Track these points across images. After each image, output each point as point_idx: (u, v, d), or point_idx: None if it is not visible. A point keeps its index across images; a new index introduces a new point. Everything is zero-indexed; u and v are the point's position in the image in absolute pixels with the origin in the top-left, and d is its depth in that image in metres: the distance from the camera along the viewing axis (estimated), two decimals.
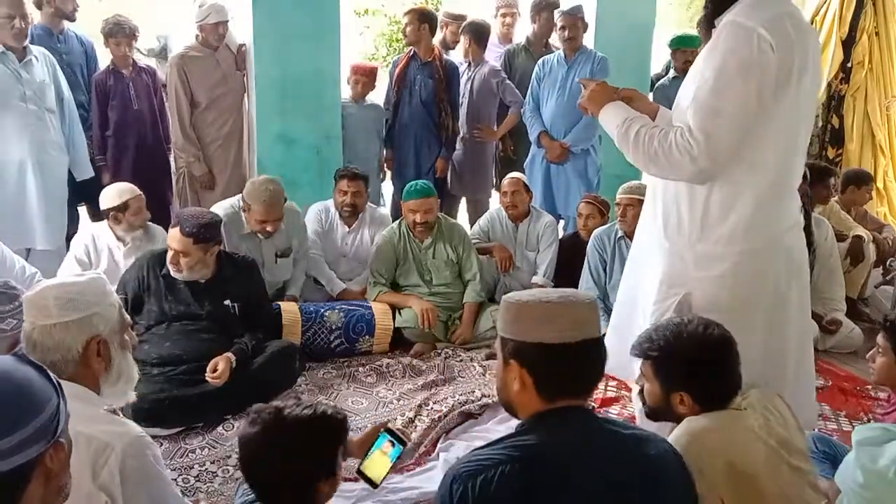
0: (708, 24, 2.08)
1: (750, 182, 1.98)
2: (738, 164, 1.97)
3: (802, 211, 3.91)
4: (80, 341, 1.64)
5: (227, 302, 3.14)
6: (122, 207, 3.51)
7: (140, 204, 3.56)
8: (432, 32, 4.75)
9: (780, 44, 1.88)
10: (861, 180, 4.77)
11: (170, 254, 3.05)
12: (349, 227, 4.12)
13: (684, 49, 4.96)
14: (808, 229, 4.05)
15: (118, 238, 3.57)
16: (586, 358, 1.50)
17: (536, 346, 1.48)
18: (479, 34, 4.93)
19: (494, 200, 5.10)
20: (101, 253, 3.58)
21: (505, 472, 1.36)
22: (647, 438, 1.52)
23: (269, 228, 3.64)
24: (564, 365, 1.47)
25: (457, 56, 5.12)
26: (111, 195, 3.55)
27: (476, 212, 5.04)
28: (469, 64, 4.96)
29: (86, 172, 4.17)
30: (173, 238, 3.04)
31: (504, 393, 1.56)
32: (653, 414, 1.94)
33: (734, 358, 1.84)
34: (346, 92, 4.70)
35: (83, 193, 4.24)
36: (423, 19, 4.69)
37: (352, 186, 4.01)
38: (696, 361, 1.80)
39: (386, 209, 4.82)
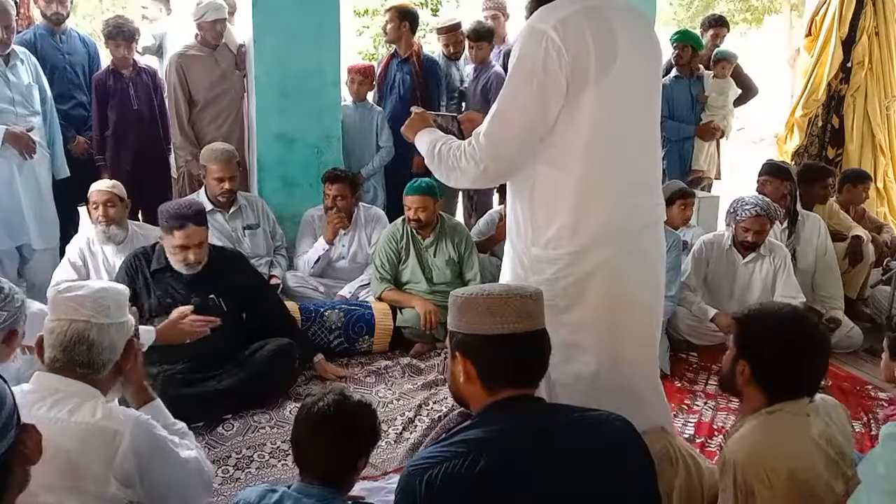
0: None
1: (567, 183, 1.95)
2: (552, 167, 1.96)
3: (788, 209, 3.99)
4: (123, 342, 1.76)
5: (211, 296, 3.14)
6: (87, 202, 3.59)
7: (100, 198, 3.54)
8: (413, 30, 4.75)
9: (572, 44, 1.84)
10: (857, 178, 4.78)
11: (182, 253, 3.04)
12: (343, 229, 4.11)
13: (685, 44, 4.99)
14: (792, 227, 4.07)
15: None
16: (527, 349, 1.55)
17: (477, 338, 1.54)
18: (477, 34, 4.90)
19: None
20: (97, 255, 3.60)
21: (450, 469, 1.39)
22: (601, 421, 1.54)
23: (227, 186, 3.90)
24: (504, 355, 1.53)
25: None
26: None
27: (480, 213, 5.02)
28: (475, 67, 4.93)
29: (63, 172, 4.14)
30: (193, 234, 3.04)
31: (454, 385, 1.63)
32: (721, 381, 1.96)
33: (818, 353, 1.81)
34: (346, 95, 4.71)
35: (82, 194, 4.24)
36: (404, 17, 4.71)
37: (332, 189, 4.00)
38: (777, 340, 1.78)
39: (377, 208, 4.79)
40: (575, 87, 1.87)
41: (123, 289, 1.84)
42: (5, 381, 1.12)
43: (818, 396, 1.87)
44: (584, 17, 1.88)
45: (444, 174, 2.11)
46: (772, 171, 4.15)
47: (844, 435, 1.84)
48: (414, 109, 2.36)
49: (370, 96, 4.84)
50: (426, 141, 2.16)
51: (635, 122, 2.02)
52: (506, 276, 2.18)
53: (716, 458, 2.23)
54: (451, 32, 4.91)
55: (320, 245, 4.02)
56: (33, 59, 3.97)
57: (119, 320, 1.74)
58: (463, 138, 2.15)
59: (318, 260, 4.04)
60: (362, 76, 4.65)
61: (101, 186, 3.60)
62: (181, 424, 2.02)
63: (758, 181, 4.19)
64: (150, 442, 1.67)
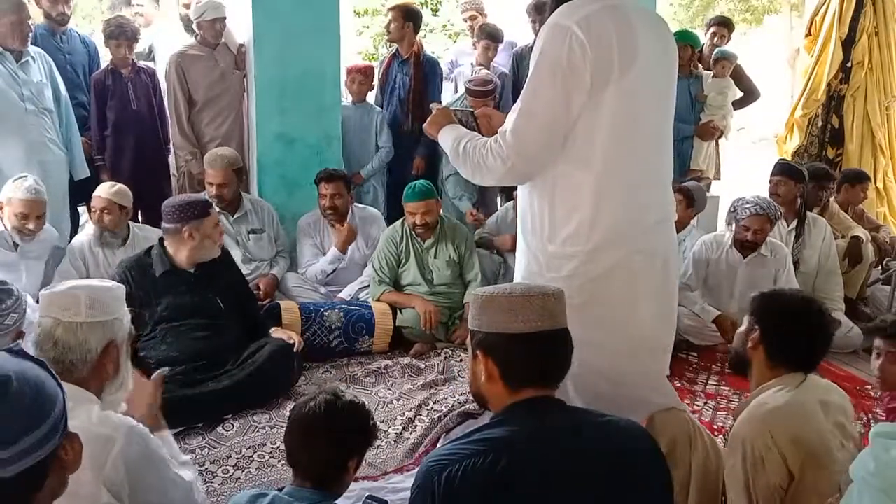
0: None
1: (586, 180, 1.96)
2: (572, 164, 1.96)
3: (798, 211, 3.99)
4: (100, 344, 1.67)
5: (210, 295, 3.14)
6: (89, 205, 3.61)
7: (98, 204, 3.56)
8: (416, 30, 4.74)
9: (595, 41, 1.85)
10: (856, 178, 4.79)
11: (216, 230, 3.16)
12: (352, 237, 4.08)
13: (683, 44, 4.97)
14: (799, 229, 4.07)
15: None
16: (549, 347, 1.54)
17: (500, 337, 1.53)
18: (495, 38, 4.87)
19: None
20: (97, 255, 3.60)
21: (470, 466, 1.39)
22: (618, 426, 1.54)
23: (214, 192, 3.91)
24: (527, 354, 1.52)
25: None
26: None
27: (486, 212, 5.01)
28: (479, 66, 4.89)
29: (82, 172, 4.17)
30: (216, 219, 3.22)
31: (474, 385, 1.62)
32: (733, 360, 2.14)
33: (821, 330, 1.96)
34: (345, 95, 4.71)
35: (83, 194, 4.24)
36: (408, 17, 4.68)
37: (329, 188, 3.97)
38: (787, 311, 1.97)
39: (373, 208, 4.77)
40: (598, 84, 1.88)
41: (109, 287, 1.77)
42: (60, 386, 1.12)
43: (811, 377, 1.96)
44: (607, 15, 1.89)
45: (470, 172, 2.10)
46: (785, 172, 4.12)
47: (842, 411, 1.93)
48: (434, 106, 2.35)
49: (371, 97, 4.83)
50: (450, 138, 2.15)
51: (652, 120, 2.03)
52: (519, 274, 2.17)
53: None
54: (484, 97, 4.32)
55: (333, 256, 4.01)
56: (48, 59, 4.00)
57: (93, 319, 1.66)
58: (481, 133, 2.15)
59: (333, 271, 4.05)
60: (363, 76, 4.65)
61: (103, 193, 3.60)
62: (186, 457, 1.98)
63: (770, 181, 4.17)
64: (141, 452, 1.62)
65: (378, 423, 2.94)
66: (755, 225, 3.71)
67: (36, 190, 3.34)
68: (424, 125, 2.28)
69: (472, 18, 5.37)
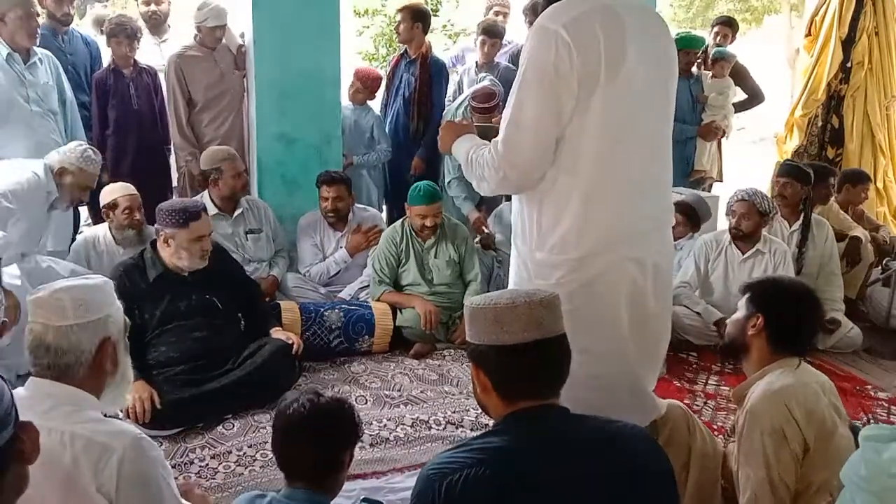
0: None
1: (574, 187, 1.91)
2: (560, 171, 1.92)
3: (802, 213, 3.99)
4: (94, 343, 1.63)
5: (207, 296, 3.13)
6: (112, 206, 3.58)
7: (130, 204, 3.56)
8: (425, 30, 4.75)
9: (582, 44, 1.80)
10: (856, 179, 4.79)
11: (198, 243, 3.04)
12: (340, 231, 4.12)
13: (687, 50, 4.95)
14: (804, 231, 4.07)
15: (116, 241, 3.59)
16: (539, 359, 1.49)
17: (489, 349, 1.50)
18: (492, 33, 4.85)
19: None
20: (102, 255, 3.60)
21: (470, 476, 1.37)
22: (619, 431, 1.51)
23: (243, 181, 3.97)
24: (516, 367, 1.48)
25: None
26: (105, 193, 3.63)
27: (489, 211, 5.01)
28: (482, 65, 4.85)
29: None
30: (206, 223, 3.10)
31: (476, 395, 1.60)
32: (728, 346, 2.23)
33: (819, 313, 2.17)
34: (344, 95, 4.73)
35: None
36: (417, 18, 4.69)
37: (331, 191, 3.99)
38: (790, 299, 2.11)
39: (374, 209, 4.73)
40: (585, 88, 1.84)
41: (95, 284, 1.71)
42: (4, 380, 1.11)
43: (803, 364, 2.10)
44: (596, 17, 1.84)
45: (476, 183, 2.08)
46: (792, 174, 4.10)
47: (833, 392, 2.08)
48: (447, 123, 2.32)
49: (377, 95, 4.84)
50: (463, 150, 2.11)
51: (646, 124, 1.97)
52: (511, 281, 2.15)
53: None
54: (488, 113, 4.11)
55: (341, 257, 4.04)
56: (55, 61, 4.00)
57: (81, 320, 1.61)
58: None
59: (337, 272, 4.06)
60: (361, 83, 4.66)
61: (124, 191, 3.59)
62: None
63: (777, 182, 4.16)
64: (138, 469, 1.53)
65: (385, 421, 2.97)
66: (741, 209, 3.77)
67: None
68: (440, 146, 2.25)
69: (504, 15, 5.34)
